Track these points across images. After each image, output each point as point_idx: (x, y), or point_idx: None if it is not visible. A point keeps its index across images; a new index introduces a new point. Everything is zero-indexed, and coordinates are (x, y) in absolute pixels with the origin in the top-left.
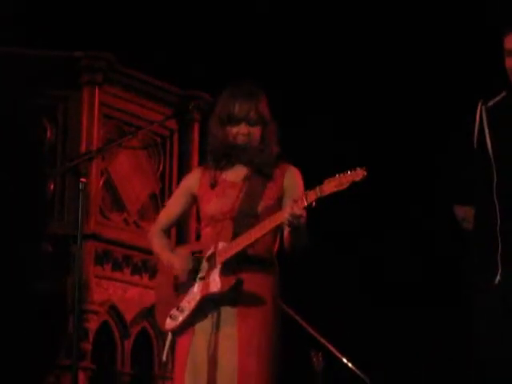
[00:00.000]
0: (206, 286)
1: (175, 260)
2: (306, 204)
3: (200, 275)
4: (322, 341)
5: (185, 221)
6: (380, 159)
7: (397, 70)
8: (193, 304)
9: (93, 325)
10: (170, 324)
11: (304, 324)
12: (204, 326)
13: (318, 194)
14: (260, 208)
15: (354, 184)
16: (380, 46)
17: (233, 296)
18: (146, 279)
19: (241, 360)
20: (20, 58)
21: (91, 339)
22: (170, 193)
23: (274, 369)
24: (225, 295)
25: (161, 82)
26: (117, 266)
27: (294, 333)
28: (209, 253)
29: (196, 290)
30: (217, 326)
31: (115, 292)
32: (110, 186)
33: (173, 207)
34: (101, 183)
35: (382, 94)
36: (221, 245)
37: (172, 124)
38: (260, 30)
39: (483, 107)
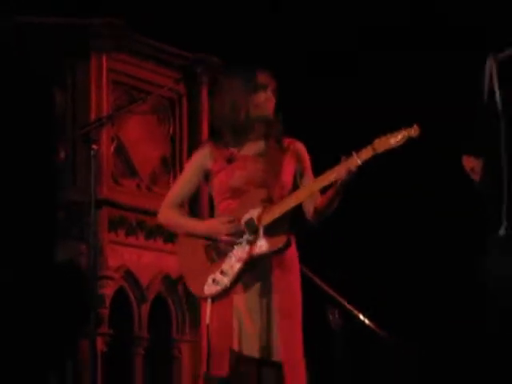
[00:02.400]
0: (251, 248)
1: (213, 227)
2: (359, 163)
3: (241, 239)
4: (339, 298)
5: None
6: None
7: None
8: (236, 267)
9: (109, 290)
10: (211, 289)
11: (320, 282)
12: (243, 297)
13: (372, 153)
14: (283, 180)
15: (410, 140)
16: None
17: (275, 259)
18: (160, 243)
19: (280, 322)
20: (28, 25)
21: (108, 305)
22: (181, 156)
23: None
24: (267, 259)
25: (169, 47)
26: (131, 232)
27: (311, 290)
28: (247, 217)
29: (239, 254)
30: (255, 292)
31: (130, 257)
32: (121, 152)
33: (185, 184)
34: (112, 149)
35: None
36: (257, 210)
37: (181, 88)
38: None
39: (493, 59)
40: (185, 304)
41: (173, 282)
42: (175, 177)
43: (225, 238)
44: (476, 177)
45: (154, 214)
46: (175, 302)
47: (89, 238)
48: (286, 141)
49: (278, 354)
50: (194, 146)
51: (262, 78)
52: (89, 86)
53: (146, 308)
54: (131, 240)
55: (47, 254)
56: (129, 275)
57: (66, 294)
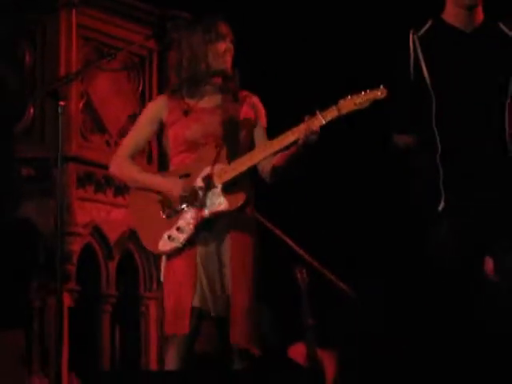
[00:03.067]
0: (210, 205)
1: (168, 184)
2: (324, 122)
3: (196, 196)
4: (306, 256)
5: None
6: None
7: None
8: (193, 224)
9: (76, 247)
10: (166, 245)
11: (286, 239)
12: (204, 249)
13: (337, 113)
14: (240, 133)
15: (375, 102)
16: None
17: (229, 218)
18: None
19: (233, 282)
20: None
21: (75, 261)
22: None
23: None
24: (224, 216)
25: (140, 3)
26: (99, 188)
27: (277, 249)
28: (203, 174)
29: (195, 210)
30: (212, 250)
31: (98, 214)
32: (90, 109)
33: (140, 135)
34: (80, 105)
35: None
36: (216, 166)
37: (151, 44)
38: None
39: (415, 36)
40: (152, 261)
41: None
42: None
43: (173, 197)
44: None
45: None
46: (143, 258)
47: (56, 194)
48: (242, 93)
49: (223, 311)
50: None
51: (223, 27)
52: (58, 41)
53: (113, 265)
54: (99, 196)
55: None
56: (97, 231)
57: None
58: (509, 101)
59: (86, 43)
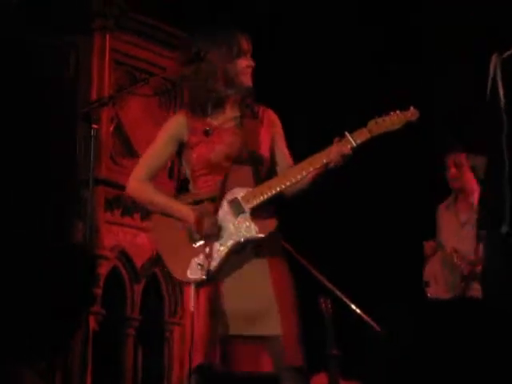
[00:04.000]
0: (241, 231)
1: (187, 212)
2: (354, 145)
3: (224, 221)
4: (331, 287)
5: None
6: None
7: None
8: (224, 251)
9: (103, 270)
10: (197, 273)
11: (312, 269)
12: (235, 280)
13: (368, 135)
14: (262, 152)
15: (408, 124)
16: None
17: (263, 243)
18: None
19: (279, 298)
20: (31, 4)
21: (102, 284)
22: None
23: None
24: (257, 242)
25: (172, 28)
26: (127, 212)
27: (302, 278)
28: (230, 198)
29: (224, 237)
30: (248, 276)
31: (125, 237)
32: (120, 133)
33: (159, 155)
34: (111, 129)
35: None
36: (242, 190)
37: (183, 69)
38: None
39: (498, 59)
40: (178, 287)
41: None
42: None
43: (206, 229)
44: (479, 174)
45: None
46: (168, 283)
47: (85, 217)
48: (258, 108)
49: (275, 329)
50: None
51: (244, 43)
52: (91, 65)
53: (138, 289)
54: (127, 220)
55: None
56: (123, 255)
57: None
58: None
59: (118, 67)
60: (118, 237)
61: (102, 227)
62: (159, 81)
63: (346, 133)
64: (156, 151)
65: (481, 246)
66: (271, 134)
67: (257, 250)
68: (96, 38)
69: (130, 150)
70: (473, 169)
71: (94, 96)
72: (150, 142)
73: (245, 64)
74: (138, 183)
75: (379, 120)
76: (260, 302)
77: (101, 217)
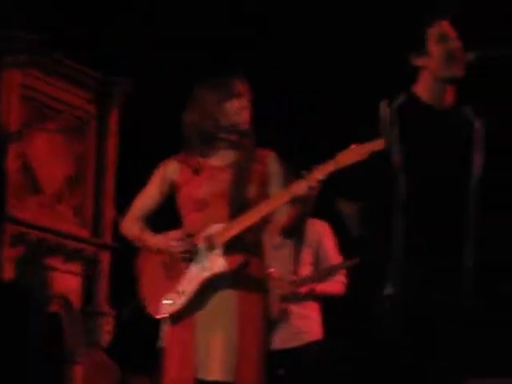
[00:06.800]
0: (210, 267)
1: (169, 242)
2: (321, 177)
3: (198, 257)
4: None
5: None
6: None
7: None
8: (193, 287)
9: None
10: (167, 309)
11: None
12: (205, 316)
13: (334, 167)
14: (249, 192)
15: (373, 154)
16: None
17: (234, 278)
18: (59, 262)
19: (241, 344)
20: None
21: None
22: (86, 177)
23: (266, 354)
24: (228, 276)
25: (83, 67)
26: (31, 249)
27: None
28: (205, 234)
29: (196, 272)
30: (216, 311)
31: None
32: (26, 169)
33: (151, 196)
34: (17, 166)
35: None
36: (218, 226)
37: (91, 108)
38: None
39: (390, 110)
40: (81, 325)
41: (68, 301)
42: (80, 196)
43: (174, 255)
44: (351, 223)
45: (55, 232)
46: (71, 322)
47: None
48: (259, 152)
49: (229, 375)
50: (100, 167)
51: (237, 85)
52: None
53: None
54: (32, 257)
55: None
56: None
57: None
58: (472, 189)
59: (27, 103)
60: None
61: (5, 264)
62: (68, 118)
63: (314, 166)
64: (147, 192)
65: (304, 269)
66: (264, 174)
67: (229, 286)
68: (5, 73)
69: (35, 187)
70: (347, 216)
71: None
72: (55, 178)
73: (236, 105)
74: (127, 223)
75: (346, 151)
76: (223, 344)
77: (5, 254)
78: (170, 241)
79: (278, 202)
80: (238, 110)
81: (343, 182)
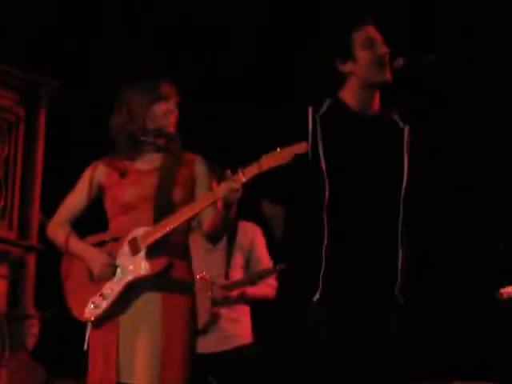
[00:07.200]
0: (133, 270)
1: (92, 255)
2: (244, 180)
3: (122, 260)
4: None
5: None
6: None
7: None
8: (117, 290)
9: None
10: (91, 312)
11: None
12: (129, 319)
13: (257, 170)
14: (175, 195)
15: (296, 157)
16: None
17: (158, 281)
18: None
19: (165, 347)
20: None
21: None
22: (14, 179)
23: (192, 357)
24: (151, 279)
25: (9, 67)
26: None
27: None
28: (129, 237)
29: (120, 276)
30: (140, 314)
31: None
32: None
33: (78, 199)
34: None
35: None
36: (142, 229)
37: (19, 110)
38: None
39: (315, 115)
40: (6, 328)
41: None
42: (7, 198)
43: (97, 268)
44: (276, 224)
45: None
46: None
47: None
48: (186, 155)
49: (152, 380)
50: (28, 169)
51: (165, 89)
52: None
53: None
54: None
55: None
56: None
57: None
58: (403, 194)
59: None
60: None
61: None
62: None
63: (239, 168)
64: (74, 195)
65: (236, 272)
66: (191, 178)
67: (153, 289)
68: None
69: None
70: (270, 217)
71: None
72: None
73: (163, 109)
74: (54, 227)
75: (270, 154)
76: (147, 347)
77: None
78: (93, 261)
79: (202, 205)
80: (164, 113)
81: (270, 184)
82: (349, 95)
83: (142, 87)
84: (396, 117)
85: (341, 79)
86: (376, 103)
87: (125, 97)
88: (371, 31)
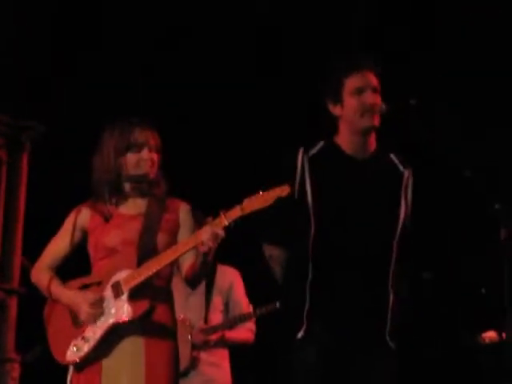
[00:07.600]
0: (115, 313)
1: (76, 300)
2: (226, 223)
3: (105, 304)
4: None
5: None
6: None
7: None
8: (99, 334)
9: None
10: (73, 355)
11: None
12: (111, 362)
13: (240, 213)
14: (159, 241)
15: (278, 200)
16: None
17: (141, 324)
18: None
19: None
20: None
21: None
22: None
23: None
24: (134, 323)
25: None
26: None
27: None
28: (112, 281)
29: (102, 319)
30: (123, 357)
31: None
32: None
33: (62, 243)
34: None
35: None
36: (125, 272)
37: (1, 153)
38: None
39: (305, 156)
40: None
41: None
42: None
43: (83, 313)
44: (274, 265)
45: None
46: None
47: None
48: (171, 201)
49: None
50: (9, 213)
51: (139, 136)
52: None
53: None
54: None
55: None
56: None
57: None
58: (396, 240)
59: None
60: None
61: None
62: None
63: (221, 211)
64: (58, 240)
65: (215, 315)
66: (175, 223)
67: (136, 332)
68: None
69: None
70: (269, 257)
71: None
72: None
73: (134, 159)
74: (38, 271)
75: (253, 197)
76: None
77: None
78: (78, 306)
79: (183, 249)
80: (136, 163)
81: (265, 224)
82: (341, 138)
83: (117, 133)
84: (396, 160)
85: (334, 122)
86: (371, 146)
87: (102, 142)
88: (364, 79)
